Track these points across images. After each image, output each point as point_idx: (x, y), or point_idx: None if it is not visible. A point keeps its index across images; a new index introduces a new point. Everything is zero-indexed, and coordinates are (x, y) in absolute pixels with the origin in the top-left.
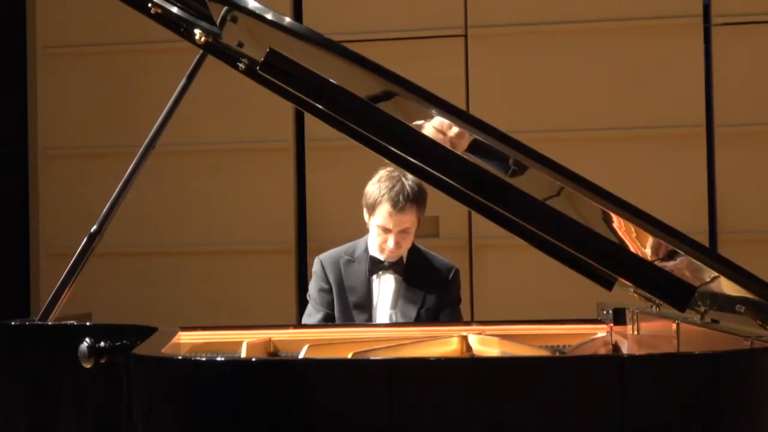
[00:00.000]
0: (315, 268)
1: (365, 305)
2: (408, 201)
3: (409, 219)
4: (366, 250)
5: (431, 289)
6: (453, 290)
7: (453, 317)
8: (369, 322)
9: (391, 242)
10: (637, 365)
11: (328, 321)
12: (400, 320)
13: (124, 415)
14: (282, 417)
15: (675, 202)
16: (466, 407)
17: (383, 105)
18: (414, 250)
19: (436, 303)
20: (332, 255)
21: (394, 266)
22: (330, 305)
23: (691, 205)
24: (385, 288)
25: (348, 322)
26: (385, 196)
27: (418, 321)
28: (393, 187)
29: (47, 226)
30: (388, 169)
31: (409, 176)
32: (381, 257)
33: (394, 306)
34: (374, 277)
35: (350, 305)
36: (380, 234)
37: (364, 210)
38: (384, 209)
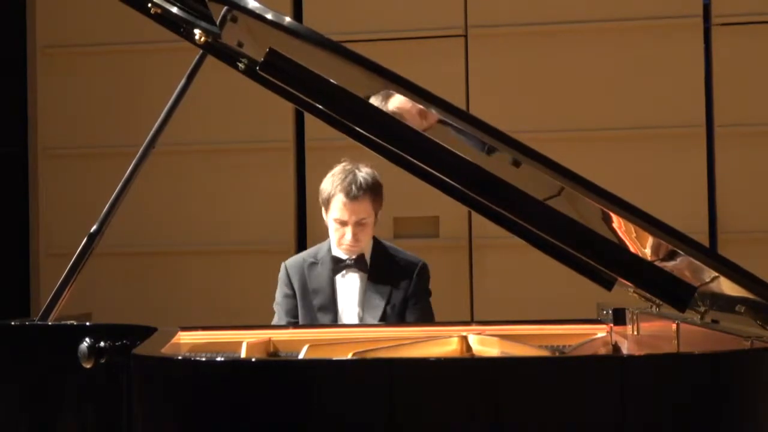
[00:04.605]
0: (280, 273)
1: (329, 306)
2: (361, 190)
3: (364, 209)
4: (329, 251)
5: (397, 285)
6: (420, 283)
7: (421, 312)
8: (335, 323)
9: (348, 235)
10: (637, 365)
11: None
12: (367, 318)
13: (124, 415)
14: (282, 417)
15: (675, 202)
16: (466, 407)
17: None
18: (378, 247)
19: (402, 299)
20: (297, 259)
21: (358, 264)
22: (293, 312)
23: (691, 205)
24: (350, 287)
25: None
26: (338, 187)
27: (385, 318)
28: (345, 178)
29: (47, 226)
30: (342, 164)
31: (363, 169)
32: (343, 255)
33: (360, 304)
34: (338, 276)
35: (314, 308)
36: (338, 229)
37: (322, 209)
38: (338, 200)
